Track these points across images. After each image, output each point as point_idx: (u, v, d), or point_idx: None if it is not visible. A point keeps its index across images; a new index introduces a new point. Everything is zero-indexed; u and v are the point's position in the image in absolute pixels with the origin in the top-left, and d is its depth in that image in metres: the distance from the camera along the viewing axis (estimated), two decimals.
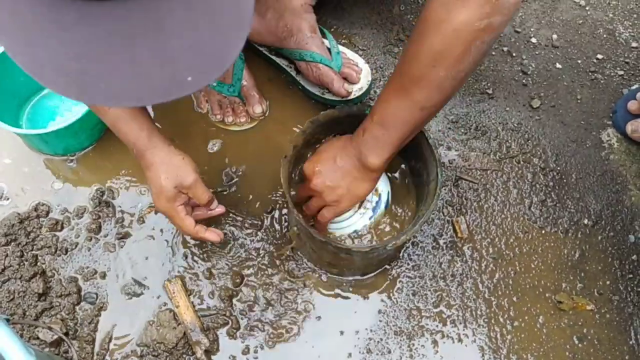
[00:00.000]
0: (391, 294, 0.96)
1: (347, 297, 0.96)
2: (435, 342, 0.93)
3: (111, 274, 0.96)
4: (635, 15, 1.22)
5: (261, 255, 0.97)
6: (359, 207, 0.94)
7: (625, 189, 1.05)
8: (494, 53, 1.17)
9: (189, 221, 0.85)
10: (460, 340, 0.93)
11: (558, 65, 1.16)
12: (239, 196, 1.02)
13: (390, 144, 0.79)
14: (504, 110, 1.12)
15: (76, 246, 0.98)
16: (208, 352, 0.90)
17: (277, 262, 0.97)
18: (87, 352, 0.90)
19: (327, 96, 1.05)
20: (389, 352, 0.92)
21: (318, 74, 1.02)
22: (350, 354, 0.92)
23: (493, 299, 0.96)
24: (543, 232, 1.01)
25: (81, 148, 1.05)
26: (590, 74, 1.16)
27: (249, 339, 0.93)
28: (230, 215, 1.00)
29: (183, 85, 0.39)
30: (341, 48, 1.07)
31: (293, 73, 1.09)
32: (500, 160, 1.07)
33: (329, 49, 1.04)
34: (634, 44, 1.18)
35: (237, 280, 0.95)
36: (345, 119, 0.93)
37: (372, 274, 0.97)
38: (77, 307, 0.93)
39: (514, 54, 1.17)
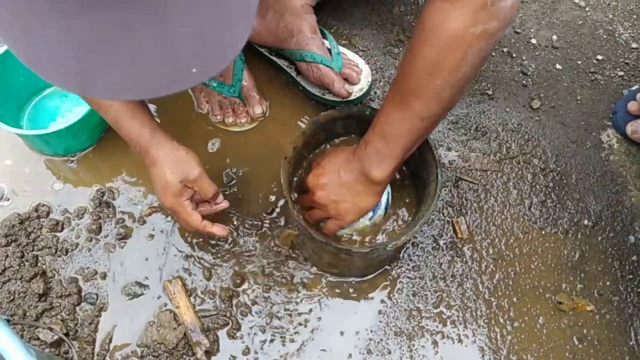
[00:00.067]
0: (391, 295, 0.96)
1: (347, 298, 0.96)
2: (435, 343, 0.93)
3: (111, 275, 0.96)
4: (635, 16, 1.22)
5: (261, 256, 0.98)
6: None
7: (625, 189, 1.05)
8: (494, 54, 1.17)
9: (196, 216, 0.85)
10: (460, 340, 0.94)
11: (558, 66, 1.16)
12: (239, 197, 1.02)
13: (393, 157, 0.78)
14: (504, 111, 1.12)
15: (76, 247, 0.98)
16: (208, 353, 0.90)
17: (278, 262, 0.97)
18: (87, 352, 0.90)
19: (328, 97, 1.06)
20: (389, 352, 0.92)
21: (318, 75, 1.02)
22: (350, 355, 0.92)
23: (493, 299, 0.96)
24: (543, 232, 1.01)
25: (82, 149, 1.05)
26: (590, 74, 1.16)
27: (249, 340, 0.93)
28: (231, 215, 1.00)
29: (187, 76, 0.38)
30: (341, 49, 1.07)
31: (293, 74, 1.09)
32: (500, 161, 1.07)
33: (329, 50, 1.04)
34: (634, 45, 1.18)
35: (238, 281, 0.96)
36: (346, 119, 0.93)
37: (372, 275, 0.97)
38: (77, 308, 0.94)
39: (514, 55, 1.17)
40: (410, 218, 0.95)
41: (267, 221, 1.00)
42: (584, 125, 1.11)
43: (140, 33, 0.36)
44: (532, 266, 0.99)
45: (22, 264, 0.94)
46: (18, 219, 0.97)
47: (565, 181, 1.06)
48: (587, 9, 1.22)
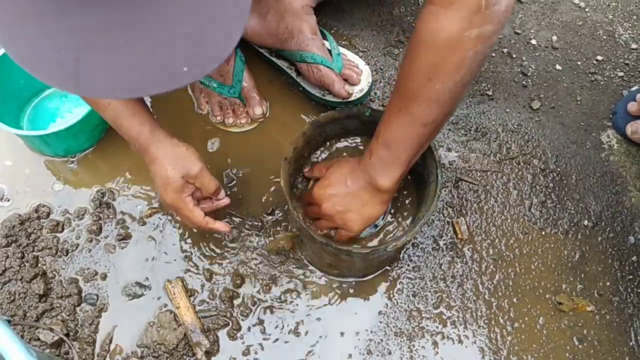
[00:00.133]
0: (391, 295, 0.96)
1: (347, 298, 0.96)
2: (435, 343, 0.93)
3: (112, 275, 0.96)
4: (635, 17, 1.22)
5: (261, 256, 0.98)
6: None
7: (625, 190, 1.05)
8: (493, 55, 1.17)
9: (198, 212, 0.85)
10: (460, 341, 0.94)
11: (558, 67, 1.16)
12: (239, 197, 1.02)
13: (398, 164, 0.78)
14: (504, 111, 1.12)
15: (77, 247, 0.98)
16: (208, 353, 0.90)
17: (278, 263, 0.97)
18: (87, 353, 0.90)
19: (328, 97, 1.06)
20: (389, 353, 0.92)
21: (319, 76, 1.02)
22: (350, 355, 0.92)
23: (493, 300, 0.96)
24: (543, 233, 1.01)
25: (82, 149, 1.05)
26: (590, 75, 1.16)
27: (249, 340, 0.93)
28: (231, 216, 1.00)
29: (178, 75, 0.38)
30: (342, 50, 1.07)
31: (293, 74, 1.09)
32: (500, 161, 1.07)
33: (329, 51, 1.04)
34: (634, 46, 1.18)
35: (238, 282, 0.96)
36: (346, 120, 0.93)
37: (373, 275, 0.97)
38: (77, 309, 0.94)
39: (513, 56, 1.17)
40: (410, 219, 0.96)
41: (268, 222, 1.00)
42: (584, 125, 1.11)
43: (137, 32, 0.36)
44: (532, 267, 0.99)
45: (22, 265, 0.94)
46: (18, 220, 0.97)
47: (565, 182, 1.06)
48: (587, 10, 1.23)
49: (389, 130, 0.77)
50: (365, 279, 0.97)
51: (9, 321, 0.63)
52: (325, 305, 0.95)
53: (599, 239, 1.01)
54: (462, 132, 1.09)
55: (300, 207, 0.94)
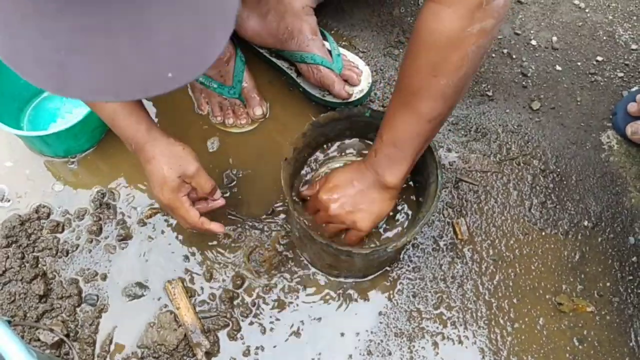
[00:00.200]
0: (391, 296, 0.96)
1: (347, 299, 0.96)
2: (435, 344, 0.93)
3: (112, 276, 0.96)
4: (635, 18, 1.22)
5: (262, 257, 0.98)
6: None
7: (625, 190, 1.05)
8: (493, 55, 1.17)
9: (194, 212, 0.84)
10: (460, 342, 0.94)
11: (558, 68, 1.16)
12: (239, 198, 1.02)
13: (405, 160, 0.79)
14: (504, 112, 1.12)
15: (77, 248, 0.98)
16: (209, 354, 0.90)
17: (278, 264, 0.97)
18: (87, 353, 0.90)
19: (328, 98, 1.06)
20: (390, 353, 0.92)
21: (319, 76, 1.02)
22: (350, 356, 0.92)
23: (493, 300, 0.96)
24: (543, 233, 1.01)
25: (82, 150, 1.05)
26: (590, 76, 1.16)
27: (249, 341, 0.93)
28: (231, 216, 1.00)
29: (163, 81, 0.38)
30: (342, 50, 1.07)
31: (294, 75, 1.09)
32: (501, 162, 1.07)
33: (329, 51, 1.04)
34: (634, 46, 1.18)
35: (238, 282, 0.96)
36: (346, 120, 0.93)
37: (373, 276, 0.97)
38: (77, 309, 0.94)
39: (514, 56, 1.17)
40: (410, 219, 0.96)
41: (268, 222, 1.00)
42: (584, 126, 1.11)
43: (118, 38, 0.36)
44: (532, 267, 0.99)
45: (22, 265, 0.94)
46: (18, 220, 0.97)
47: (565, 182, 1.06)
48: (587, 11, 1.23)
49: (394, 127, 0.78)
50: (365, 279, 0.97)
51: (9, 322, 0.63)
52: (325, 305, 0.95)
53: (599, 239, 1.01)
54: (462, 132, 1.09)
55: (300, 208, 0.94)
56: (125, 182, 1.03)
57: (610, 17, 1.22)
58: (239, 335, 0.93)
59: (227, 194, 1.02)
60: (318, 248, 0.89)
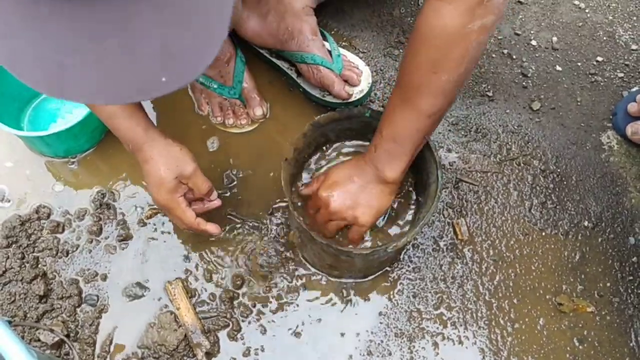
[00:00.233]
0: (392, 296, 0.96)
1: (347, 299, 0.96)
2: (435, 344, 0.93)
3: (112, 276, 0.96)
4: (635, 18, 1.22)
5: (262, 257, 0.98)
6: None
7: (625, 191, 1.05)
8: (494, 55, 1.17)
9: (190, 213, 0.85)
10: (460, 342, 0.94)
11: (558, 68, 1.16)
12: (239, 198, 1.02)
13: (404, 155, 0.80)
14: (504, 112, 1.12)
15: (77, 248, 0.98)
16: (209, 354, 0.90)
17: (278, 264, 0.97)
18: (88, 354, 0.90)
19: (328, 98, 1.06)
20: (390, 354, 0.92)
21: (319, 77, 1.02)
22: (350, 356, 0.92)
23: (493, 301, 0.96)
24: (543, 234, 1.01)
25: (82, 150, 1.05)
26: (590, 76, 1.16)
27: (249, 341, 0.93)
28: (231, 217, 1.00)
29: (155, 86, 0.38)
30: (342, 50, 1.07)
31: (294, 75, 1.09)
32: (501, 162, 1.07)
33: (329, 52, 1.04)
34: (634, 47, 1.18)
35: (238, 283, 0.96)
36: (346, 121, 0.93)
37: (373, 276, 0.97)
38: (78, 309, 0.94)
39: (514, 57, 1.17)
40: (410, 219, 0.96)
41: (268, 222, 1.00)
42: (584, 126, 1.11)
43: (108, 43, 0.36)
44: (533, 267, 0.99)
45: (22, 266, 0.94)
46: (19, 221, 0.97)
47: (565, 183, 1.06)
48: (587, 11, 1.23)
49: (394, 123, 0.79)
50: (365, 279, 0.97)
51: (9, 322, 0.63)
52: (325, 306, 0.95)
53: (599, 239, 1.01)
54: (462, 133, 1.09)
55: (300, 208, 0.94)
56: (126, 182, 1.03)
57: (611, 18, 1.22)
58: (239, 336, 0.93)
59: (227, 194, 1.02)
60: (318, 248, 0.89)
